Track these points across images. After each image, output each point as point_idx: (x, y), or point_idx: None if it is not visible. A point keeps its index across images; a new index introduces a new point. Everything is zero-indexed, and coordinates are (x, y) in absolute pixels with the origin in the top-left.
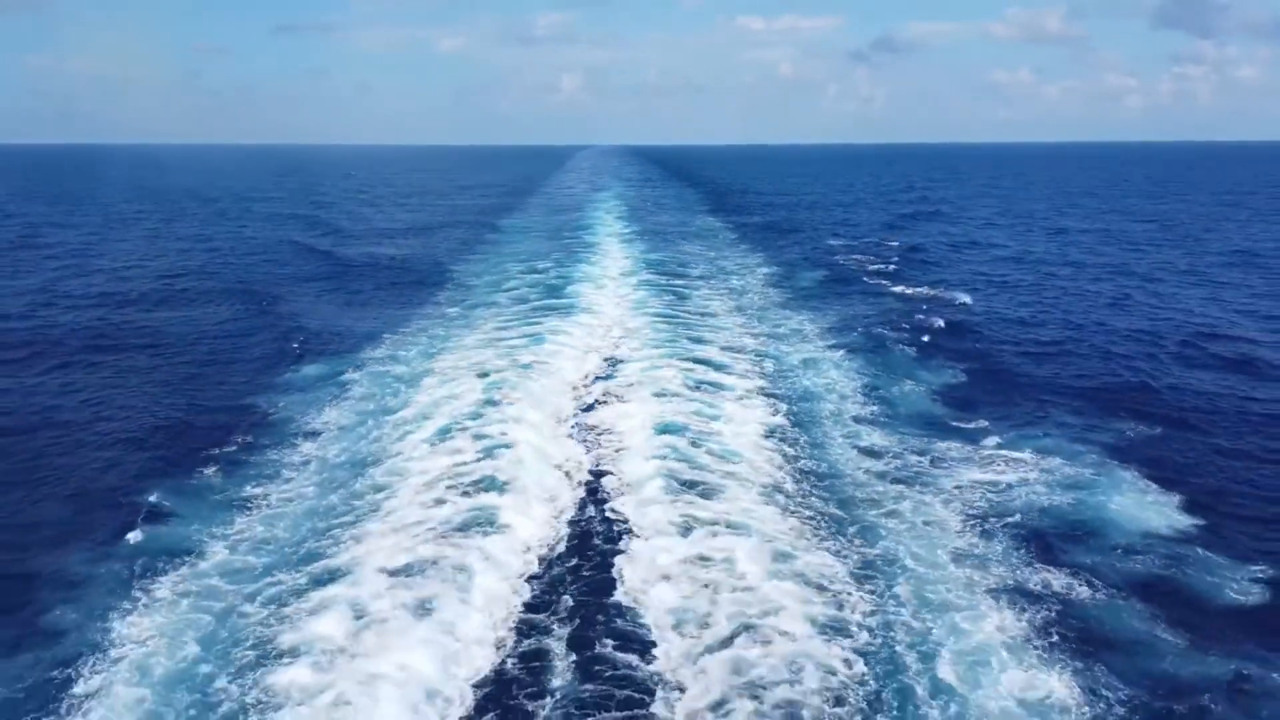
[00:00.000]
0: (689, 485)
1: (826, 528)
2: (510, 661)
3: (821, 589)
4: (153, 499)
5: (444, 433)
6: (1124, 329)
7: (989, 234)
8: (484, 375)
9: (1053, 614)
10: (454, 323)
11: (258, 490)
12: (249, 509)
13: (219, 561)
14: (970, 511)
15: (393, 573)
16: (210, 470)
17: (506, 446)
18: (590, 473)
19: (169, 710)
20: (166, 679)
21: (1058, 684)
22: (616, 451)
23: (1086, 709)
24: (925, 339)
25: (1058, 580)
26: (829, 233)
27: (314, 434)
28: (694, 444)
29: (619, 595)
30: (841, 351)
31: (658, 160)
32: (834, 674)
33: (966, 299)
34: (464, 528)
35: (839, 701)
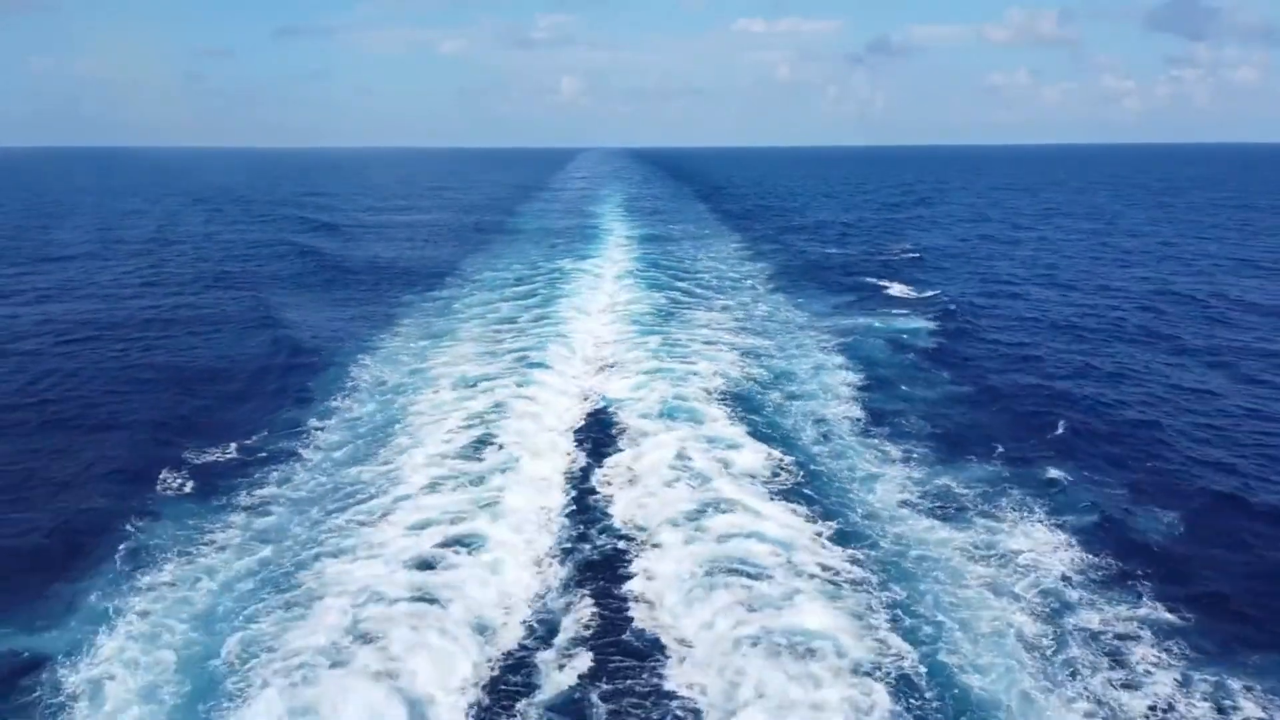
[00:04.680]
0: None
1: (755, 347)
2: (511, 655)
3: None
4: (147, 498)
5: (448, 417)
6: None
7: (949, 219)
8: (495, 352)
9: (874, 380)
10: (457, 303)
11: (254, 489)
12: (244, 508)
13: (213, 561)
14: (838, 345)
15: (398, 562)
16: (205, 470)
17: (510, 417)
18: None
19: (157, 712)
20: (156, 680)
21: (860, 410)
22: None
23: (900, 437)
24: (855, 272)
25: (880, 369)
26: (801, 220)
27: (312, 429)
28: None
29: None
30: (788, 287)
31: (657, 162)
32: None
33: (907, 248)
34: (468, 516)
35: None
